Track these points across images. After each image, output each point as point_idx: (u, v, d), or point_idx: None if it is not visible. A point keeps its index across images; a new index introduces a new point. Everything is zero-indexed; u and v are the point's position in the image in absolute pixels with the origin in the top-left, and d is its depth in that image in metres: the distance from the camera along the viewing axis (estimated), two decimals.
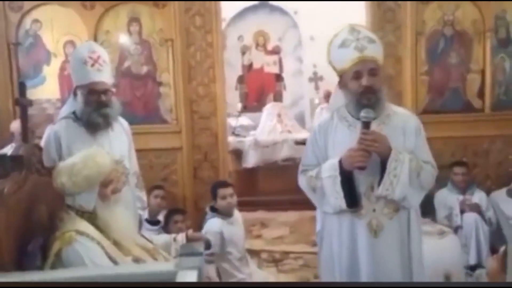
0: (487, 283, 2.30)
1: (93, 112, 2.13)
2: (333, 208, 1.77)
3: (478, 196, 3.29)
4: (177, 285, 1.17)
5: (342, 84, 1.79)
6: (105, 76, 2.18)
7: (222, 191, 2.73)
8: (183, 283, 1.15)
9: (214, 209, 2.76)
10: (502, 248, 2.30)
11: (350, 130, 1.77)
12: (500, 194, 3.37)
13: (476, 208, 3.18)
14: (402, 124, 1.79)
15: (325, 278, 1.89)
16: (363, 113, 1.67)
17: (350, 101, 1.78)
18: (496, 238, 3.13)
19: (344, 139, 1.76)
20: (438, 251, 2.35)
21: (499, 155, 3.58)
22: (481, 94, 3.55)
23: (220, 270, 2.61)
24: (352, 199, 1.73)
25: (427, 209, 2.59)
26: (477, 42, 3.52)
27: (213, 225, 2.71)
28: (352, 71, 1.72)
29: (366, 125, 1.68)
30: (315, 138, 1.85)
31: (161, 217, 3.07)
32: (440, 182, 3.38)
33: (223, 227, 2.66)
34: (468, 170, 3.36)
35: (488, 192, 3.39)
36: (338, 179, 1.71)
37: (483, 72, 3.53)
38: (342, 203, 1.72)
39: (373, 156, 1.69)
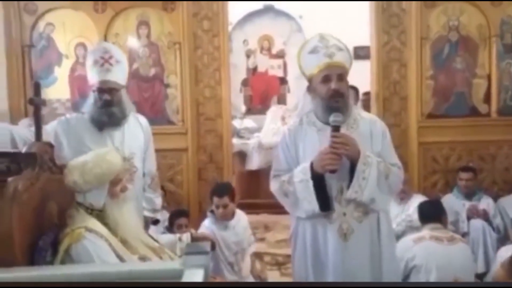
0: (487, 283, 2.28)
1: (98, 110, 2.19)
2: (306, 212, 1.79)
3: (485, 202, 3.24)
4: (177, 285, 1.18)
5: (310, 88, 1.85)
6: (114, 75, 2.20)
7: (216, 200, 2.68)
8: (183, 283, 1.16)
9: (213, 211, 2.73)
10: (507, 254, 2.28)
11: (319, 135, 1.80)
12: (508, 200, 3.30)
13: (485, 215, 3.12)
14: (369, 128, 1.84)
15: (297, 277, 1.91)
16: (332, 117, 1.72)
17: (318, 105, 1.82)
18: (504, 246, 3.11)
19: (313, 144, 1.79)
20: (447, 257, 2.33)
21: (505, 160, 3.56)
22: (487, 99, 3.54)
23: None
24: (325, 203, 1.75)
25: (437, 214, 2.55)
26: (483, 48, 3.51)
27: (202, 226, 2.70)
28: (321, 75, 1.78)
29: (336, 128, 1.72)
30: (286, 143, 1.88)
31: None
32: (450, 187, 3.40)
33: (210, 230, 2.61)
34: (474, 175, 3.31)
35: (495, 198, 3.35)
36: (310, 183, 1.73)
37: (489, 77, 3.52)
38: (315, 207, 1.74)
39: (343, 159, 1.72)
